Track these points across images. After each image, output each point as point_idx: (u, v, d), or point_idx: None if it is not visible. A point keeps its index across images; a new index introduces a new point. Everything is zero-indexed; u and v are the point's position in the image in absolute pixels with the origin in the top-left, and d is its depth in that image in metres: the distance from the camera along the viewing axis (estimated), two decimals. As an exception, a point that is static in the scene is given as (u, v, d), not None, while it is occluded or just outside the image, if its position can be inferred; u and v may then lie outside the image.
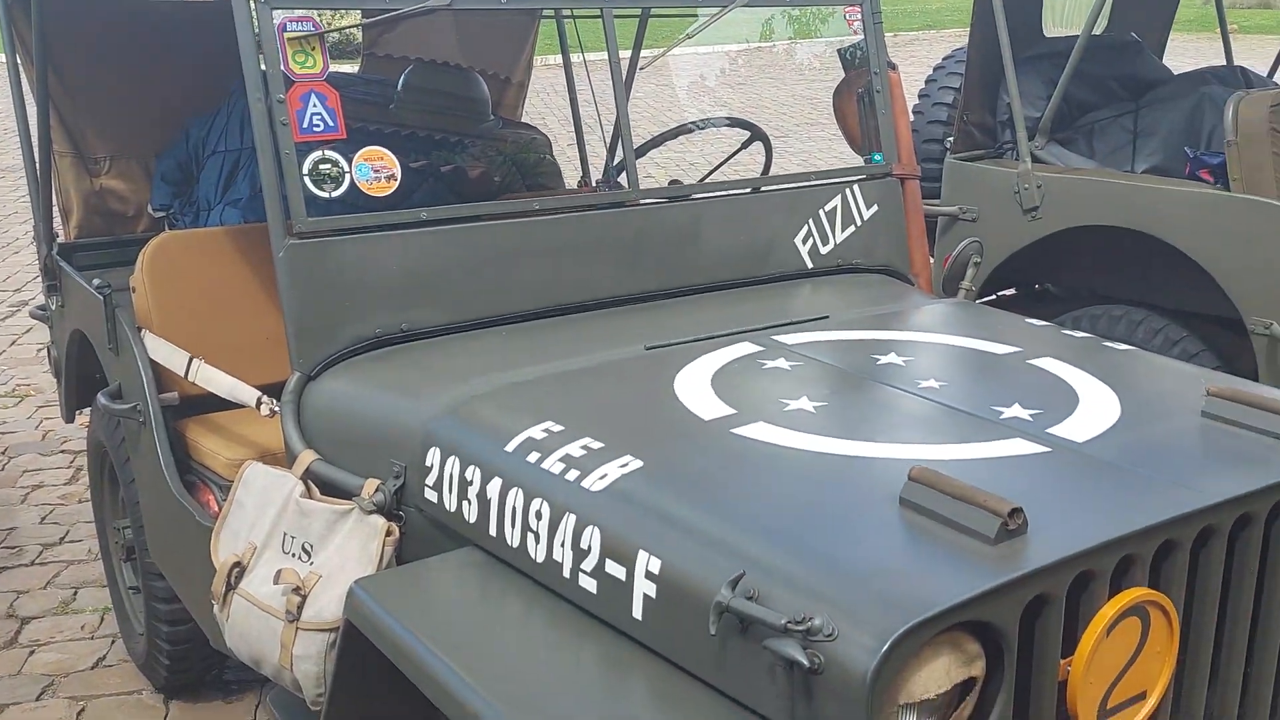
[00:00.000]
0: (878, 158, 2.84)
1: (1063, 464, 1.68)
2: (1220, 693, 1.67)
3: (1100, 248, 3.76)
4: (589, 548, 1.65)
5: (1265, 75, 4.52)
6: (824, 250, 2.74)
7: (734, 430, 1.83)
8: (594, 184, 3.84)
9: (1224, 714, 1.69)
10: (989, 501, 1.45)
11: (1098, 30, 4.64)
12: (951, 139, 4.14)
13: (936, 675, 1.36)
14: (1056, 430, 1.78)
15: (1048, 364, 2.08)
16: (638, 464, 1.72)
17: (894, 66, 2.88)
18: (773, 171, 3.57)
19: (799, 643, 1.32)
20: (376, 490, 1.99)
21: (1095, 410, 1.86)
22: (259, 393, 2.33)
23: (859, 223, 2.77)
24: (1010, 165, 3.89)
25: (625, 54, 3.45)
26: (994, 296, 4.25)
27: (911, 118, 4.53)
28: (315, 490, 2.11)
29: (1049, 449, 1.72)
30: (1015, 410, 1.86)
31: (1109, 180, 3.70)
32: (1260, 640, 1.70)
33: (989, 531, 1.43)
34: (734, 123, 3.44)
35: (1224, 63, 4.58)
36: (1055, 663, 1.45)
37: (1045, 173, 3.80)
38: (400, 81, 3.49)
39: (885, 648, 1.28)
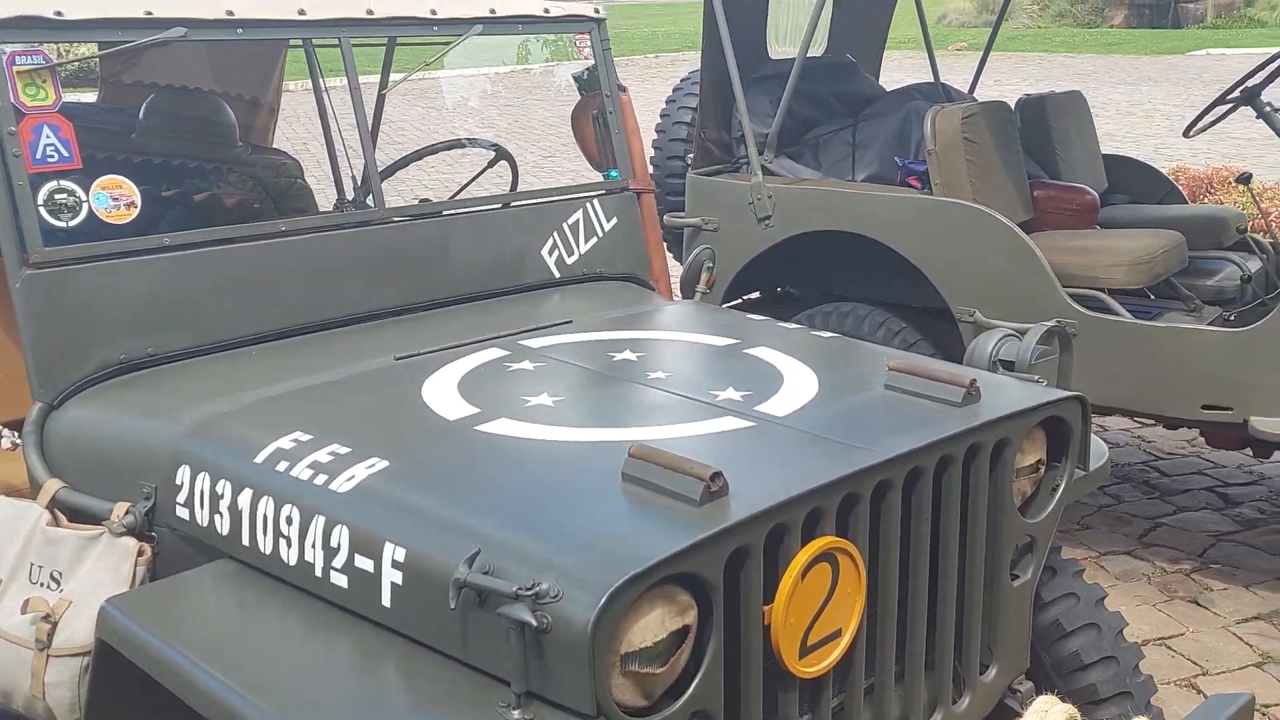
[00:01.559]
0: (615, 174, 3.05)
1: (764, 435, 1.90)
2: (909, 628, 1.93)
3: (830, 250, 4.10)
4: (338, 546, 1.75)
5: (966, 90, 5.00)
6: (569, 261, 2.92)
7: (477, 428, 1.97)
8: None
9: (913, 647, 1.94)
10: (694, 469, 1.64)
11: (817, 52, 5.05)
12: (692, 155, 4.42)
13: (652, 625, 1.53)
14: (762, 407, 2.01)
15: (761, 352, 2.32)
16: (384, 464, 1.84)
17: (624, 89, 3.09)
18: (528, 188, 3.73)
19: (529, 606, 1.47)
20: (126, 513, 2.03)
21: (797, 389, 2.10)
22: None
23: (600, 234, 2.97)
24: (744, 179, 4.19)
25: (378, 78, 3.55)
26: (740, 300, 4.54)
27: (655, 136, 4.80)
28: (63, 519, 2.11)
29: (754, 423, 1.94)
30: (729, 393, 2.08)
31: (831, 189, 4.05)
32: (940, 581, 1.96)
33: (694, 495, 1.62)
34: (471, 143, 3.58)
35: (930, 79, 5.05)
36: (759, 608, 1.65)
37: (775, 184, 4.11)
38: (142, 109, 3.47)
39: (603, 601, 1.45)
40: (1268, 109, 4.19)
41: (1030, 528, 2.12)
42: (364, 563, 1.72)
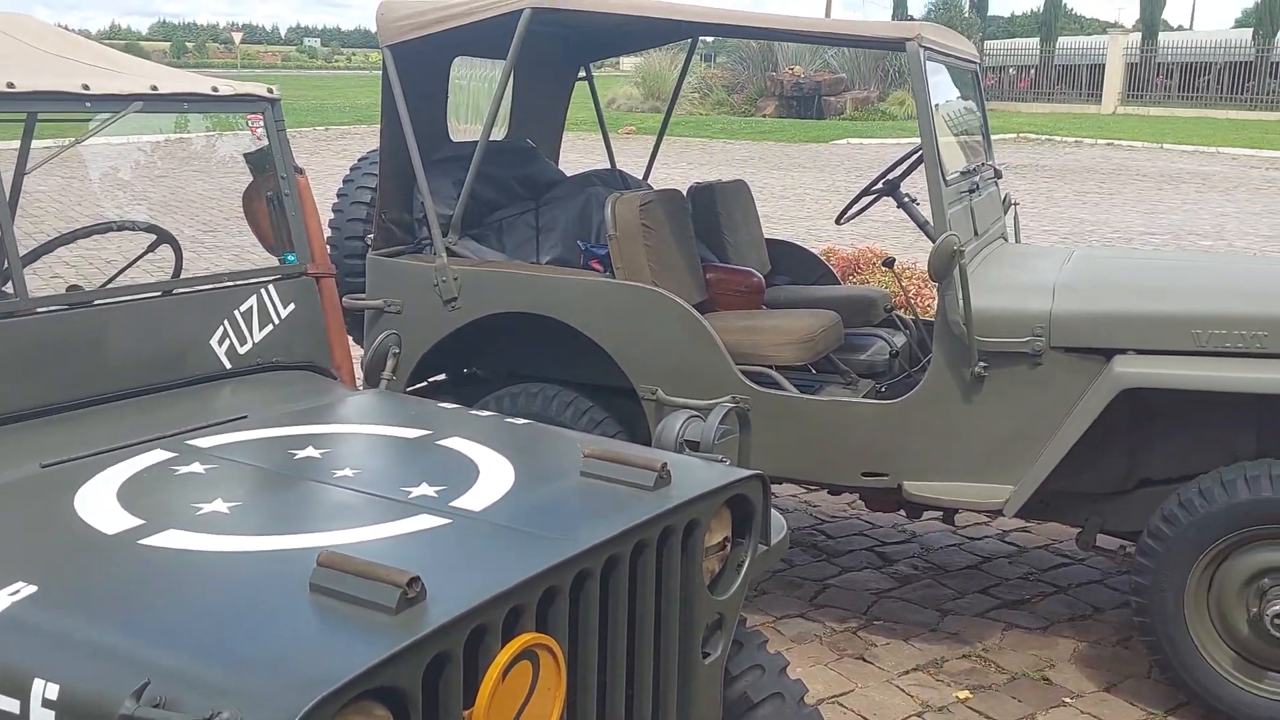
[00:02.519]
0: (292, 258, 2.92)
1: (461, 532, 1.86)
2: (607, 716, 1.93)
3: (518, 332, 4.12)
4: (-24, 685, 1.54)
5: (640, 176, 5.22)
6: (242, 350, 2.75)
7: (141, 541, 1.81)
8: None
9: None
10: (389, 575, 1.57)
11: (499, 136, 5.12)
12: (372, 236, 4.33)
13: (346, 746, 1.44)
14: (458, 502, 1.96)
15: (455, 443, 2.28)
16: (30, 589, 1.64)
17: (301, 171, 2.99)
18: (197, 269, 3.52)
19: (208, 739, 1.35)
20: None
21: (493, 480, 2.07)
22: None
23: (277, 322, 2.83)
24: (429, 260, 4.15)
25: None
26: (425, 383, 4.47)
27: (333, 215, 4.68)
28: None
29: (450, 520, 1.89)
30: (423, 489, 2.02)
31: (517, 272, 4.08)
32: (637, 666, 1.98)
33: (390, 602, 1.55)
34: (126, 226, 3.35)
35: (608, 166, 5.23)
36: (459, 713, 1.59)
37: (460, 266, 4.10)
38: None
39: None
40: (906, 199, 4.65)
41: (720, 605, 2.19)
42: (8, 704, 1.52)
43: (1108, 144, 28.00)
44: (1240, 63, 35.44)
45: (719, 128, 29.56)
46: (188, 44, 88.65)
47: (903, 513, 4.27)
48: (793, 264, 5.28)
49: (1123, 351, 3.56)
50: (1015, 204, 4.93)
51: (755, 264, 5.00)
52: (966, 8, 36.94)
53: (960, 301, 3.59)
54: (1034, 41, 39.78)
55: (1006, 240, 4.78)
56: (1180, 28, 52.54)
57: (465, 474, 2.11)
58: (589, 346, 3.97)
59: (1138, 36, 36.84)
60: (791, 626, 4.14)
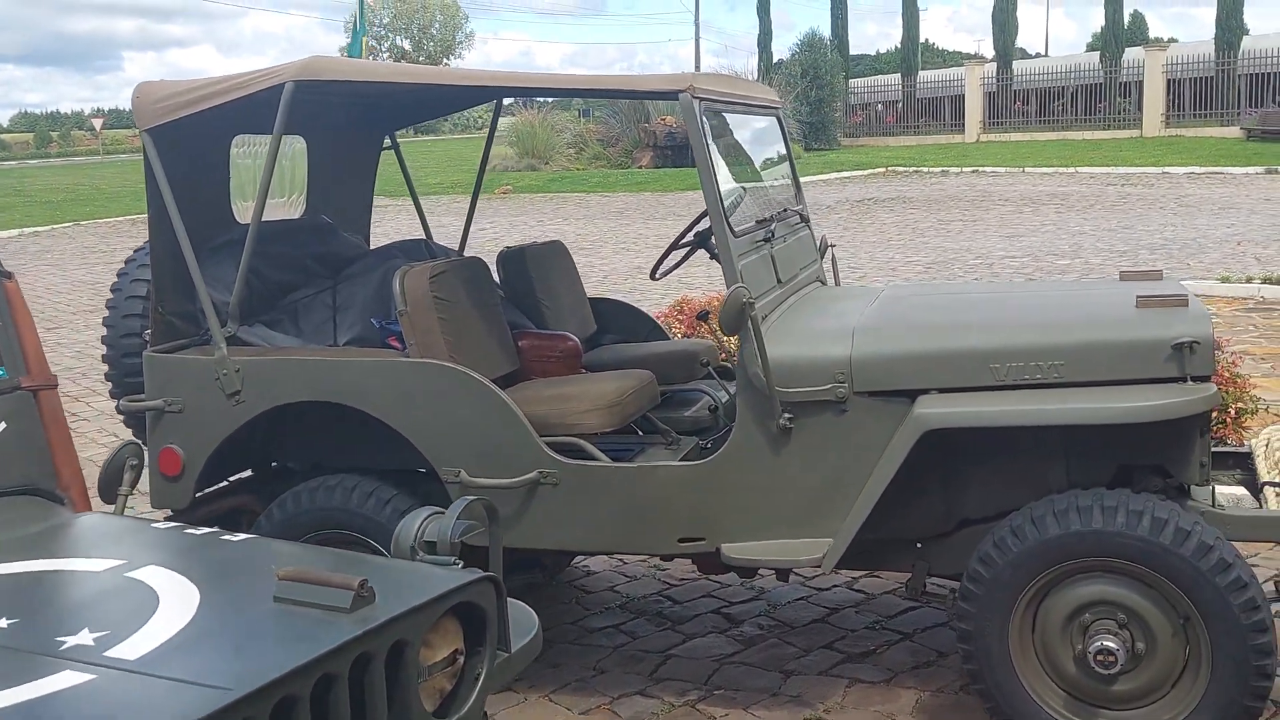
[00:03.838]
0: (2, 372, 2.66)
1: (103, 692, 1.63)
2: None
3: (318, 420, 3.88)
4: None
5: (454, 248, 5.03)
6: (-52, 479, 2.48)
7: None
8: None
9: None
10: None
11: (296, 214, 4.90)
12: (149, 332, 4.06)
13: None
14: (115, 650, 1.73)
15: (146, 574, 2.04)
16: None
17: (10, 275, 2.73)
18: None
19: None
20: None
21: (170, 617, 1.85)
22: None
23: (-12, 442, 2.56)
24: (209, 353, 3.89)
25: None
26: (226, 482, 4.19)
27: (107, 313, 4.38)
28: None
29: (94, 676, 1.66)
30: (81, 636, 1.78)
31: (301, 358, 3.85)
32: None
33: None
34: None
35: (422, 235, 5.04)
36: None
37: (242, 356, 3.86)
38: None
39: None
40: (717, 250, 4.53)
41: (451, 727, 1.98)
42: None
43: (972, 171, 28.78)
44: (1091, 85, 36.88)
45: (595, 181, 29.63)
46: (52, 133, 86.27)
47: (735, 573, 4.11)
48: (620, 322, 5.14)
49: (925, 392, 3.47)
50: (832, 246, 4.86)
51: (577, 325, 4.84)
52: (829, 49, 37.81)
53: (757, 354, 3.47)
54: (896, 77, 40.90)
55: (824, 284, 4.70)
56: (1038, 55, 54.62)
57: (141, 611, 1.87)
58: (390, 430, 3.76)
59: (994, 66, 38.11)
60: (629, 706, 3.93)
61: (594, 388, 3.89)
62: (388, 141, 5.19)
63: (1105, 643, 3.21)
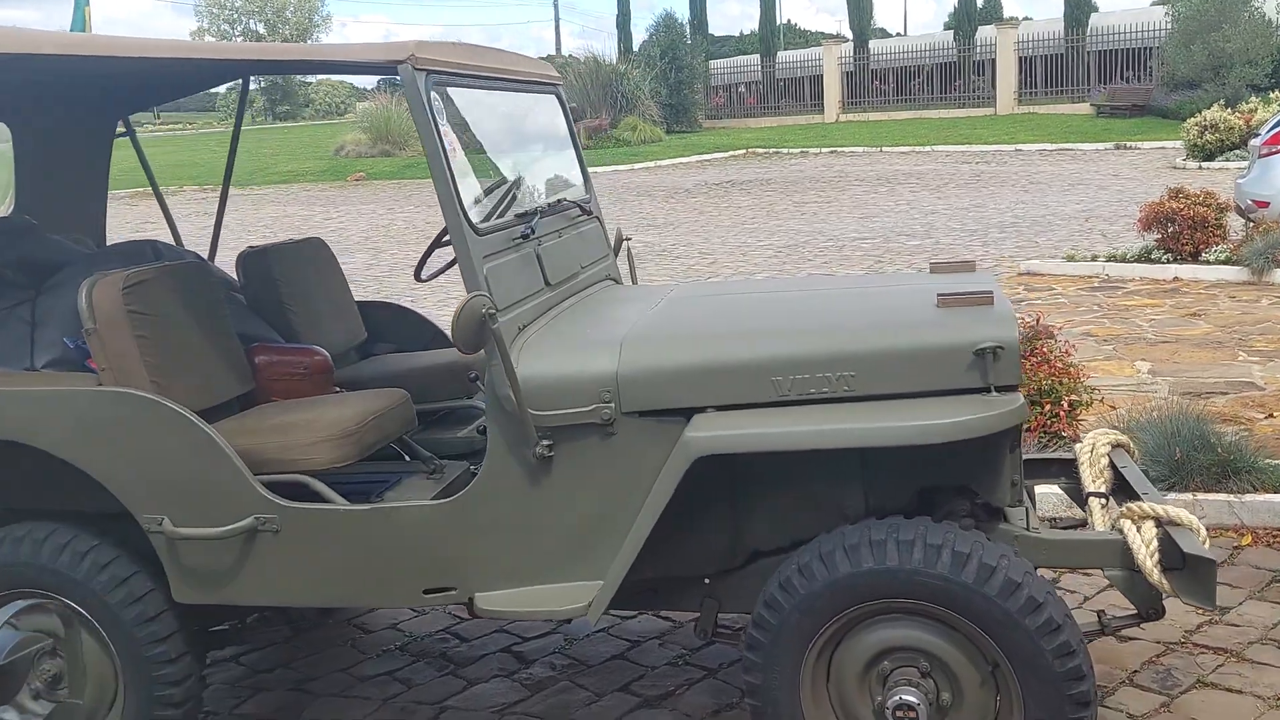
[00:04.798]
0: None
1: None
2: None
3: (5, 457, 3.23)
4: None
5: (184, 246, 4.35)
6: None
7: None
8: None
9: None
10: None
11: (4, 211, 4.20)
12: None
13: None
14: None
15: None
16: None
17: None
18: None
19: None
20: None
21: None
22: None
23: None
24: None
25: None
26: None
27: None
28: None
29: None
30: None
31: (-36, 390, 3.19)
32: None
33: None
34: None
35: (154, 237, 4.38)
36: None
37: (-108, 389, 3.17)
38: None
39: None
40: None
41: None
42: None
43: (831, 152, 28.87)
44: (947, 63, 37.41)
45: (453, 166, 28.76)
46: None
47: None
48: (397, 329, 4.57)
49: (702, 410, 3.00)
50: (627, 239, 4.36)
51: (341, 335, 4.26)
52: (689, 31, 37.56)
53: (504, 372, 2.95)
54: (756, 58, 40.88)
55: (619, 283, 4.20)
56: (898, 34, 55.32)
57: None
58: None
59: (851, 46, 38.35)
60: (386, 776, 3.40)
61: (326, 414, 3.31)
62: (122, 128, 4.51)
63: (905, 696, 2.79)
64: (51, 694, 3.27)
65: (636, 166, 27.75)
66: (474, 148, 3.46)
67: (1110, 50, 34.30)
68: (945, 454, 2.91)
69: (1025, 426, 5.24)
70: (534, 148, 4.15)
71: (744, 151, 30.19)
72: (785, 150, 29.96)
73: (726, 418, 2.96)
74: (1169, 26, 30.93)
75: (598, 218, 4.19)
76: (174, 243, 4.56)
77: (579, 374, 3.03)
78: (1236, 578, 4.32)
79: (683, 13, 38.68)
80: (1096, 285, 10.17)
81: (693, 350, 3.06)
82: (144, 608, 3.18)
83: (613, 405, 3.00)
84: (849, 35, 39.63)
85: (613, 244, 4.30)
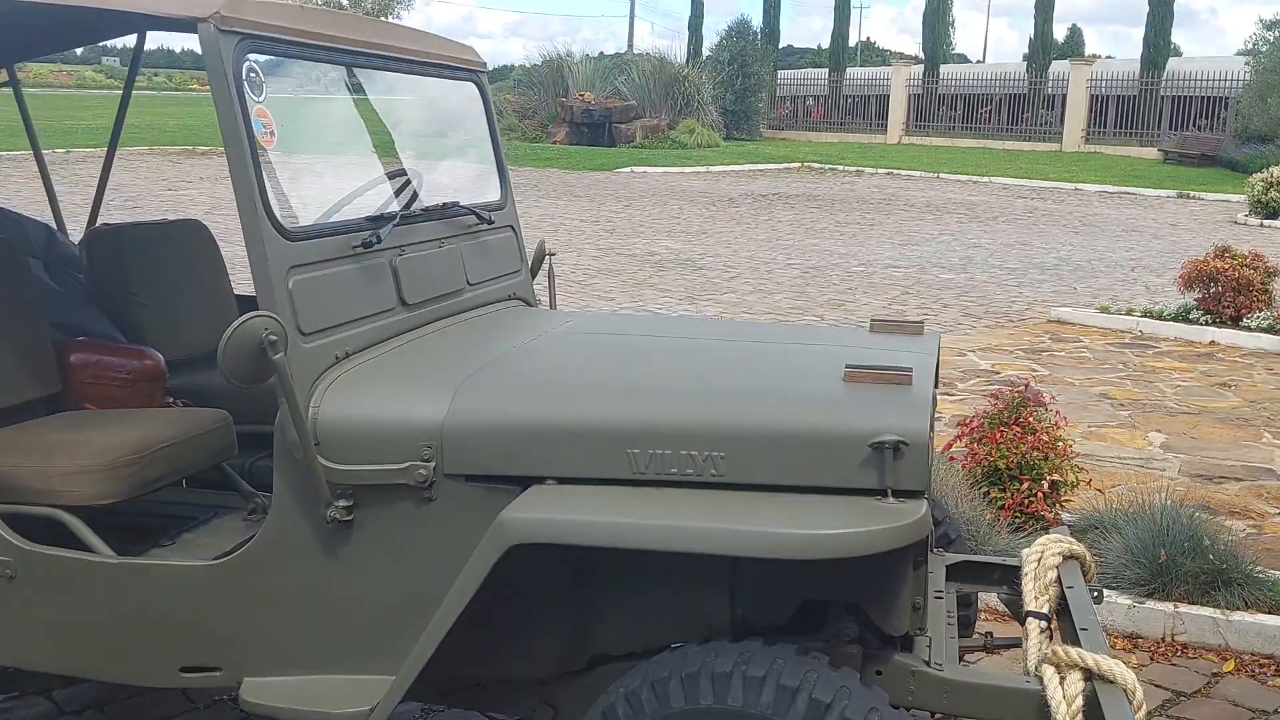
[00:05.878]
0: None
1: None
2: None
3: None
4: None
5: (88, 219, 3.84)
6: None
7: None
8: None
9: None
10: None
11: None
12: None
13: None
14: None
15: None
16: None
17: None
18: None
19: None
20: None
21: None
22: None
23: None
24: None
25: None
26: None
27: None
28: None
29: None
30: None
31: None
32: None
33: None
34: None
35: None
36: None
37: None
38: None
39: None
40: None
41: None
42: None
43: (887, 173, 28.05)
44: (1017, 95, 36.39)
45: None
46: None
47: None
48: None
49: (541, 480, 2.42)
50: (550, 254, 3.77)
51: (205, 336, 3.71)
52: (759, 38, 36.89)
53: (289, 412, 2.39)
54: (825, 72, 40.09)
55: (530, 304, 3.62)
56: (978, 61, 54.17)
57: None
58: None
59: (921, 68, 37.45)
60: None
61: (103, 437, 2.77)
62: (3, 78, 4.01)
63: None
64: None
65: (687, 170, 27.15)
66: (321, 135, 2.91)
67: (1185, 96, 33.08)
68: (828, 566, 2.31)
69: (999, 505, 4.67)
70: (424, 141, 3.59)
71: (799, 165, 29.47)
72: (841, 167, 29.19)
73: (562, 495, 2.38)
74: (1247, 78, 29.72)
75: (512, 227, 3.62)
76: (51, 210, 4.07)
77: (394, 421, 2.46)
78: (1209, 715, 3.65)
79: (758, 21, 37.87)
80: (1127, 341, 9.43)
81: (537, 404, 2.48)
82: None
83: (433, 464, 2.43)
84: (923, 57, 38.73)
85: (532, 258, 3.73)
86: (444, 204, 3.22)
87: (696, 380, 2.65)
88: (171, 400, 3.32)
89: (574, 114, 31.89)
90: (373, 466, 2.44)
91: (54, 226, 3.73)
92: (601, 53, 46.98)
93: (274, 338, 2.29)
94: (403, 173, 3.21)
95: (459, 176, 3.61)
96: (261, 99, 2.49)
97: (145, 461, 2.72)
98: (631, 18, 64.18)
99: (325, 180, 2.91)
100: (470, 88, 3.57)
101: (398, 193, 3.18)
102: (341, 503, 2.45)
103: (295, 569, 2.49)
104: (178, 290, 3.67)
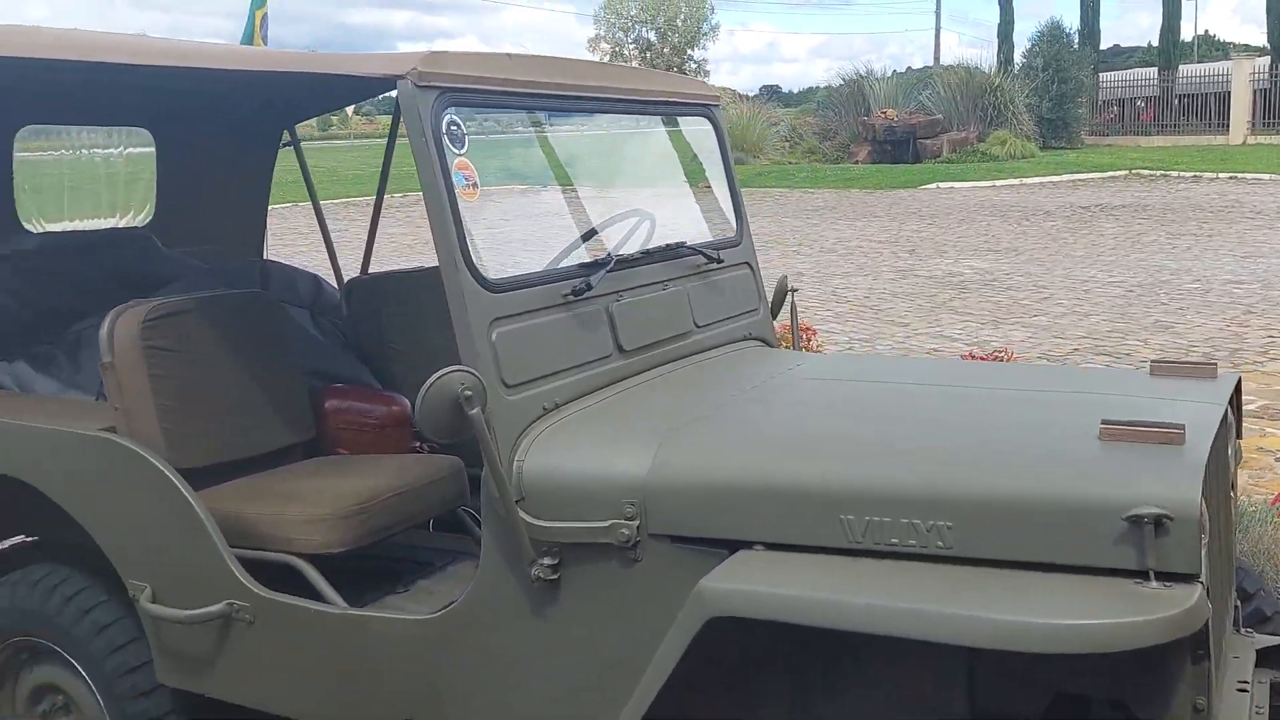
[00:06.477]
0: None
1: None
2: None
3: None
4: None
5: (300, 267, 4.02)
6: None
7: None
8: None
9: None
10: None
11: (142, 221, 4.07)
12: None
13: None
14: None
15: None
16: None
17: None
18: None
19: None
20: None
21: None
22: None
23: None
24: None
25: None
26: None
27: None
28: None
29: None
30: None
31: (-17, 416, 2.97)
32: None
33: None
34: None
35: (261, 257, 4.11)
36: None
37: (-69, 407, 3.03)
38: None
39: None
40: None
41: None
42: None
43: (1230, 178, 25.55)
44: (1391, 83, 32.20)
45: (803, 176, 28.14)
46: (332, 119, 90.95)
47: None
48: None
49: (748, 546, 2.23)
50: (792, 290, 3.56)
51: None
52: (1077, 39, 34.72)
53: (490, 468, 2.33)
54: (1153, 71, 37.11)
55: (771, 345, 3.43)
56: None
57: None
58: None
59: (1266, 61, 33.88)
60: None
61: (337, 485, 2.82)
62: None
63: None
64: (64, 753, 3.03)
65: (998, 184, 25.90)
66: (540, 178, 2.86)
67: None
68: (1080, 657, 1.98)
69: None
70: (653, 180, 3.47)
71: (1125, 173, 27.38)
72: (1174, 173, 26.86)
73: (768, 564, 2.17)
74: None
75: (748, 264, 3.45)
76: (330, 260, 4.29)
77: (596, 477, 2.34)
78: None
79: (1073, 21, 35.70)
80: None
81: (742, 461, 2.29)
82: (136, 680, 2.84)
83: (636, 524, 2.30)
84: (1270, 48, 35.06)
85: (772, 295, 3.54)
86: (667, 245, 3.09)
87: (924, 436, 2.36)
88: (419, 446, 3.37)
89: (876, 132, 31.24)
90: (575, 524, 2.33)
91: (319, 276, 3.91)
92: (909, 67, 45.87)
93: (469, 393, 2.22)
94: (632, 214, 3.12)
95: (691, 214, 3.48)
96: (463, 151, 2.45)
97: (372, 510, 2.74)
98: (938, 30, 62.02)
99: (539, 227, 2.85)
100: (703, 122, 3.44)
101: (627, 235, 3.09)
102: (547, 561, 2.35)
103: (503, 627, 2.42)
104: (431, 336, 3.73)
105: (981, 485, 2.07)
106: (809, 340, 6.41)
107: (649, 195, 3.32)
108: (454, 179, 2.40)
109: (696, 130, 3.44)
